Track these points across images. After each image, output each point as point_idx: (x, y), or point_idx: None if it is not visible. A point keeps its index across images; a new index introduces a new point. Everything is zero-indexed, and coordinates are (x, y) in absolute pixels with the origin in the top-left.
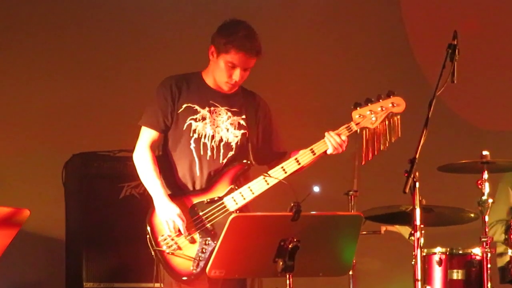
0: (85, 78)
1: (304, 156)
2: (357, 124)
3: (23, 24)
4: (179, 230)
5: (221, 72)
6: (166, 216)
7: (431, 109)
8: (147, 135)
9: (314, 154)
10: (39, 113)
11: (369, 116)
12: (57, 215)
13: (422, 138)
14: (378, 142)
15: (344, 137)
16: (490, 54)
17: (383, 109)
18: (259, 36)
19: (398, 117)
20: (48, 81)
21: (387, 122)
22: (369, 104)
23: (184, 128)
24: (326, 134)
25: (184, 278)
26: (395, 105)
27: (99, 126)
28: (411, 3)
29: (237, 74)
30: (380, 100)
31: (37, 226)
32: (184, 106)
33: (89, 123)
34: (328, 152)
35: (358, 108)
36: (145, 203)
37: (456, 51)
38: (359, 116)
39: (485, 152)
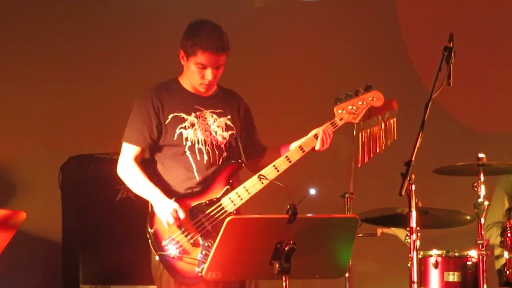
0: (81, 80)
1: (294, 154)
2: (341, 119)
3: (19, 28)
4: (179, 227)
5: (193, 75)
6: (166, 212)
7: (427, 111)
8: (130, 151)
9: (304, 151)
10: (35, 116)
11: (351, 111)
12: (53, 217)
13: (418, 141)
14: (374, 145)
15: (330, 133)
16: (486, 56)
17: (364, 103)
18: (224, 32)
19: (394, 119)
20: (45, 84)
21: (383, 125)
22: (349, 99)
23: (175, 138)
24: (319, 131)
25: (191, 280)
26: (374, 99)
27: (95, 128)
28: (407, 6)
29: (209, 74)
30: (359, 95)
31: (33, 229)
32: (170, 116)
33: (85, 126)
34: (317, 148)
35: (339, 104)
36: (142, 206)
37: (452, 53)
38: (342, 112)
39: (481, 155)
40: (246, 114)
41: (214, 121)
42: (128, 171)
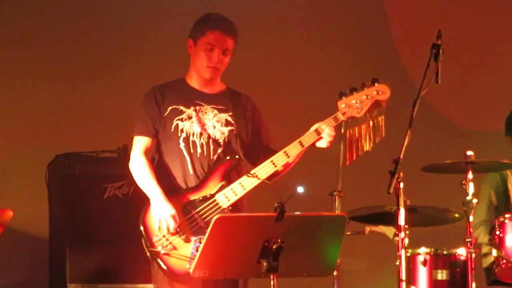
0: (69, 79)
1: (293, 149)
2: (343, 114)
3: (12, 26)
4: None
5: (200, 59)
6: (160, 215)
7: (415, 109)
8: (139, 143)
9: (303, 146)
10: (22, 113)
11: (354, 105)
12: (40, 215)
13: (406, 138)
14: (362, 143)
15: (332, 128)
16: (474, 54)
17: (368, 97)
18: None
19: (382, 117)
20: (31, 82)
21: (371, 123)
22: (354, 93)
23: (172, 130)
24: (320, 126)
25: (182, 277)
26: (380, 92)
27: (82, 126)
28: (395, 3)
29: (215, 55)
30: (365, 89)
31: (20, 227)
32: (169, 109)
33: (72, 124)
34: (319, 144)
35: (343, 98)
36: (129, 204)
37: (440, 51)
38: (345, 106)
39: (469, 152)
40: (254, 116)
41: (214, 116)
42: (136, 165)
